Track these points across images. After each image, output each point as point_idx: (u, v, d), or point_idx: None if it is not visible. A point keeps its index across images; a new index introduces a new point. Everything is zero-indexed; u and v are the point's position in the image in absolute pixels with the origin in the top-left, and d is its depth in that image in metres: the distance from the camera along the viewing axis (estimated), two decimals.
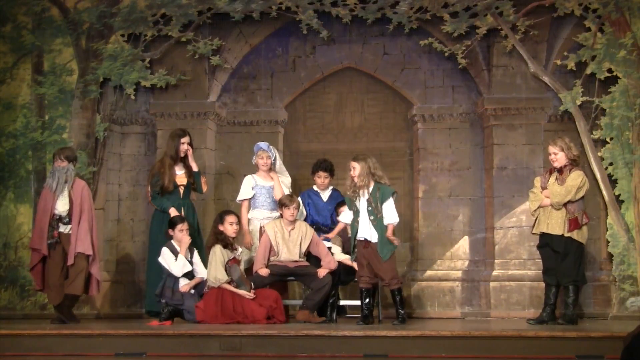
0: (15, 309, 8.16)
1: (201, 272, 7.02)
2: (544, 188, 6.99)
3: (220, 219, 7.12)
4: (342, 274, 7.11)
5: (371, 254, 6.73)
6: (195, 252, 7.10)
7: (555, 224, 6.85)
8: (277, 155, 7.65)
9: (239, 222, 7.24)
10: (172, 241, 7.03)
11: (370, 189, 6.76)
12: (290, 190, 7.61)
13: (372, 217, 6.73)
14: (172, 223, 7.09)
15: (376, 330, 6.01)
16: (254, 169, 7.63)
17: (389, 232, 6.70)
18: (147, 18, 8.50)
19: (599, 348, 5.46)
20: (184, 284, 6.89)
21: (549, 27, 8.28)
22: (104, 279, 7.93)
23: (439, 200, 8.33)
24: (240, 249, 7.15)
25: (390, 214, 6.73)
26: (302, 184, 8.25)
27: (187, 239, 7.00)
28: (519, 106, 8.25)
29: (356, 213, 6.82)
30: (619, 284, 7.81)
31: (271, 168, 7.55)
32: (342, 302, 7.60)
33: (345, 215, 7.00)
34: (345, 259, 7.08)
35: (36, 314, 8.07)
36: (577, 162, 7.04)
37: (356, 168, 6.78)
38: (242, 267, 7.12)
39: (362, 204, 6.79)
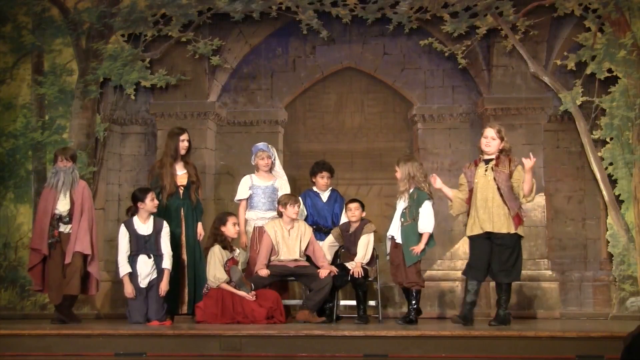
0: (15, 309, 8.17)
1: (167, 262, 6.94)
2: (470, 182, 6.56)
3: (221, 221, 7.10)
4: (336, 277, 7.08)
5: (399, 254, 6.77)
6: (165, 228, 7.00)
7: (499, 222, 6.44)
8: (276, 155, 7.64)
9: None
10: (136, 217, 6.99)
11: (409, 192, 6.77)
12: (289, 191, 7.59)
13: (402, 219, 6.77)
14: (137, 197, 6.98)
15: (376, 330, 6.01)
16: (254, 169, 7.62)
17: (421, 243, 6.69)
18: (147, 18, 8.51)
19: (599, 348, 5.45)
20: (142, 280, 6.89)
21: (549, 27, 8.29)
22: (104, 279, 7.94)
23: (439, 200, 8.30)
24: (238, 250, 7.15)
25: (425, 221, 6.72)
26: (302, 184, 8.24)
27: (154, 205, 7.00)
28: (519, 106, 8.26)
29: (395, 211, 6.90)
30: (619, 284, 7.82)
31: (271, 168, 7.54)
32: (342, 302, 7.62)
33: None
34: (357, 264, 7.03)
35: (36, 314, 8.07)
36: (507, 153, 6.58)
37: (397, 172, 6.83)
38: (239, 267, 7.11)
39: (399, 205, 6.86)
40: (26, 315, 8.08)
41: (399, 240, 6.77)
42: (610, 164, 7.99)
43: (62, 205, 7.14)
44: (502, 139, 6.55)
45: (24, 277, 8.07)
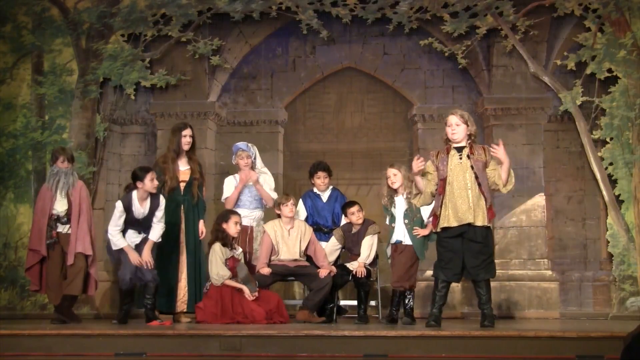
0: (15, 309, 8.17)
1: (154, 234, 6.92)
2: (443, 171, 6.20)
3: (223, 218, 7.07)
4: (336, 276, 7.08)
5: (401, 256, 6.75)
6: (161, 204, 6.94)
7: (478, 213, 6.13)
8: (257, 153, 7.56)
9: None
10: (135, 195, 6.89)
11: (406, 193, 6.75)
12: (273, 184, 7.53)
13: (406, 221, 6.75)
14: (137, 176, 6.86)
15: (376, 330, 6.01)
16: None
17: (428, 229, 6.70)
18: (147, 18, 8.51)
19: (599, 348, 5.45)
20: (132, 256, 6.82)
21: (549, 27, 8.30)
22: (104, 279, 7.95)
23: None
24: (240, 249, 7.14)
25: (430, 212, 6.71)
26: (302, 184, 8.25)
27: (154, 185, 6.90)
28: (519, 106, 8.26)
29: (392, 218, 6.84)
30: (619, 284, 7.82)
31: (252, 167, 7.48)
32: (342, 302, 7.62)
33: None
34: (360, 263, 7.03)
35: (36, 314, 8.08)
36: (475, 139, 6.32)
37: (397, 175, 6.75)
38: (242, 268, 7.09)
39: (398, 208, 6.80)
40: (26, 315, 8.08)
41: (407, 242, 6.75)
42: (610, 164, 7.99)
43: (60, 206, 7.13)
44: (466, 123, 6.22)
45: (24, 277, 8.05)
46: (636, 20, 8.07)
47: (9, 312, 8.06)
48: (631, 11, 8.08)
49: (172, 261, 7.17)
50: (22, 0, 8.62)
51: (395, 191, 6.84)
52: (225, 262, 6.92)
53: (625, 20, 8.09)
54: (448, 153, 6.26)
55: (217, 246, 6.94)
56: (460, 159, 6.20)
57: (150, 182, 6.85)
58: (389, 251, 6.98)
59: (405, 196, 6.78)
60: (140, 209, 6.90)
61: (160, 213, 6.95)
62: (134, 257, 6.83)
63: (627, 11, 8.09)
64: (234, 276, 6.88)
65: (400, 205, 6.82)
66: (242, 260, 7.11)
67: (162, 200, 6.98)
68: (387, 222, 6.97)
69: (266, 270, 7.01)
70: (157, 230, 6.94)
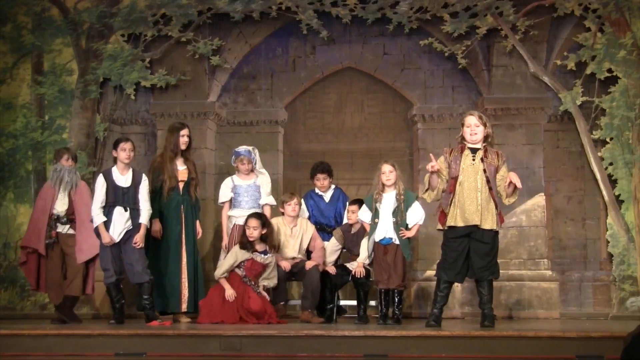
0: (15, 309, 8.17)
1: (143, 216, 6.88)
2: (455, 170, 6.21)
3: (245, 221, 7.02)
4: (336, 276, 7.08)
5: (397, 257, 6.67)
6: (144, 182, 6.93)
7: (486, 217, 6.14)
8: (258, 157, 7.48)
9: (265, 225, 7.02)
10: (115, 168, 6.93)
11: (398, 192, 6.69)
12: (270, 187, 7.51)
13: (394, 220, 6.66)
14: (114, 145, 7.01)
15: (376, 330, 6.01)
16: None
17: (413, 230, 6.68)
18: (147, 18, 8.51)
19: (599, 348, 5.45)
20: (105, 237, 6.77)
21: (549, 27, 8.29)
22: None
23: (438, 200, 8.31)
24: (270, 254, 6.97)
25: (418, 214, 6.70)
26: (302, 184, 8.25)
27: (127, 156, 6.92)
28: (519, 106, 8.26)
29: (375, 214, 6.74)
30: (619, 284, 7.82)
31: (252, 170, 7.45)
32: (342, 302, 7.62)
33: (363, 214, 6.90)
34: (359, 263, 7.03)
35: (36, 314, 8.08)
36: (491, 142, 6.37)
37: (393, 172, 6.70)
38: (269, 272, 6.99)
39: (385, 205, 6.70)
40: (26, 315, 8.08)
41: (397, 240, 6.67)
42: (610, 164, 7.99)
43: (61, 205, 7.13)
44: (484, 124, 6.27)
45: (24, 277, 8.04)
46: (636, 20, 8.07)
47: (9, 312, 8.06)
48: (631, 11, 8.09)
49: (173, 261, 7.17)
50: (22, 0, 8.63)
51: (384, 187, 6.78)
52: (242, 263, 6.87)
53: (625, 20, 8.09)
54: (462, 152, 6.27)
55: (235, 248, 6.93)
56: (474, 160, 6.22)
57: (122, 152, 6.91)
58: (370, 247, 6.82)
59: (395, 195, 6.70)
60: (121, 177, 6.88)
61: (145, 191, 6.91)
62: (105, 237, 6.77)
63: (627, 11, 8.09)
64: (247, 276, 6.85)
65: (388, 202, 6.72)
66: (273, 263, 6.98)
67: (145, 179, 6.96)
68: (368, 218, 6.81)
69: (285, 264, 7.04)
70: (145, 213, 6.89)
